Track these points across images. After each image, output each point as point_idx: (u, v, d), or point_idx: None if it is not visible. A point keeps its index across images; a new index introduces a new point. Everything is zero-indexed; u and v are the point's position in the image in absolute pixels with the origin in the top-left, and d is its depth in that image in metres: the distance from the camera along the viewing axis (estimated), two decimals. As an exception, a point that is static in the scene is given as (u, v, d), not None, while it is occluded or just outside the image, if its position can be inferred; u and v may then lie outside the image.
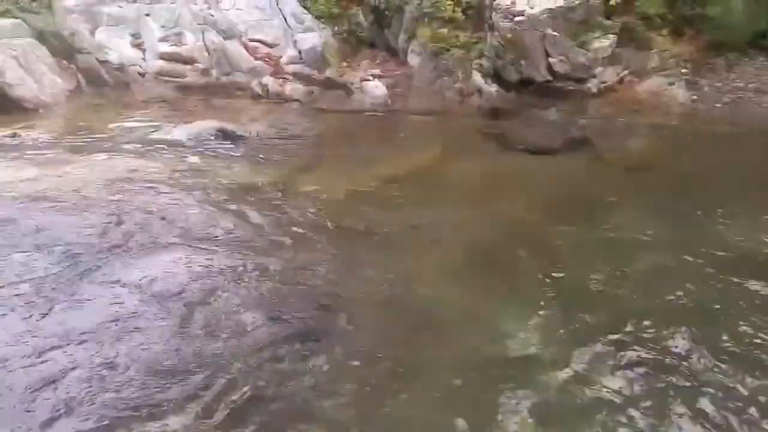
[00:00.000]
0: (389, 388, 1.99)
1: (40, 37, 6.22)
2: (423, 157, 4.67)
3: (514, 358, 2.19)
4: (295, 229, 3.16)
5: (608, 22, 5.51)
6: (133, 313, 2.29)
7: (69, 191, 3.38)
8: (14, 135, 4.56)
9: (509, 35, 5.57)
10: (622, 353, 2.19)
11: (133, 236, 2.90)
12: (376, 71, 6.97)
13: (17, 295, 2.38)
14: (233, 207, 3.39)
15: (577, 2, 5.33)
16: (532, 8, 5.39)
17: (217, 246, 2.85)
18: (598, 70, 5.47)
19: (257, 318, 2.31)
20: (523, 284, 2.71)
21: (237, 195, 3.61)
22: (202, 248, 2.80)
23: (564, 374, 2.10)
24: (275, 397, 1.94)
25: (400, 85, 6.61)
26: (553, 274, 2.76)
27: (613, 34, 5.45)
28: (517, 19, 5.45)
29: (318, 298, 2.46)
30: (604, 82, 5.49)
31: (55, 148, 4.34)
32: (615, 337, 2.28)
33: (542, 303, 2.55)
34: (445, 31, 6.54)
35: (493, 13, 5.72)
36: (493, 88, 5.93)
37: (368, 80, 6.53)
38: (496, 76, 5.97)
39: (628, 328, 2.34)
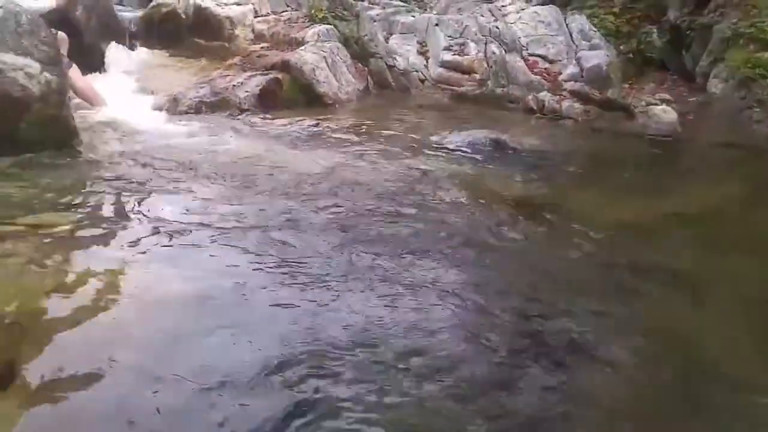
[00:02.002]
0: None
1: (345, 41, 6.98)
2: (716, 195, 4.02)
3: None
4: (562, 254, 2.92)
5: None
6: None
7: (363, 180, 3.67)
8: (317, 125, 5.18)
9: None
10: None
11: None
12: (665, 95, 6.31)
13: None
14: (499, 217, 3.29)
15: None
16: None
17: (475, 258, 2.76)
18: None
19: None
20: None
21: (504, 206, 3.51)
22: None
23: None
24: None
25: (694, 112, 5.87)
26: None
27: None
28: None
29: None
30: None
31: (348, 140, 4.80)
32: None
33: None
34: (765, 55, 5.59)
35: (844, 34, 4.67)
36: (824, 127, 4.87)
37: (655, 104, 5.92)
38: (831, 112, 4.89)
39: None
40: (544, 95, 6.32)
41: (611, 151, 5.15)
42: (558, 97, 6.32)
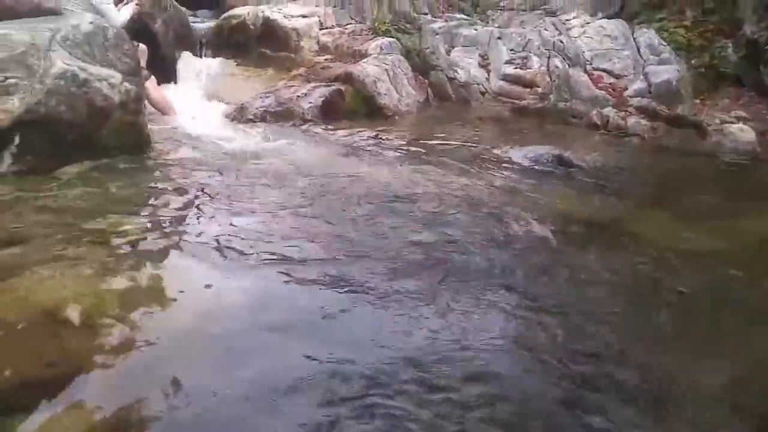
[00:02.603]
0: None
1: (407, 54, 7.03)
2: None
3: None
4: (632, 279, 2.80)
5: None
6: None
7: (423, 195, 3.68)
8: (377, 136, 5.23)
9: None
10: None
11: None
12: (741, 112, 6.02)
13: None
14: (564, 239, 3.20)
15: None
16: None
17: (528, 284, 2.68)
18: None
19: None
20: None
21: (570, 226, 3.42)
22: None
23: None
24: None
25: (775, 132, 5.57)
26: None
27: None
28: None
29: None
30: None
31: (407, 153, 4.82)
32: None
33: None
34: None
35: None
36: None
37: (731, 122, 5.65)
38: None
39: None
40: (609, 111, 6.14)
41: (682, 170, 4.94)
42: (623, 113, 6.13)
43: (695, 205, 3.94)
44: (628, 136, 5.83)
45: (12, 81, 3.41)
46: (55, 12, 4.03)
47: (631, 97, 6.43)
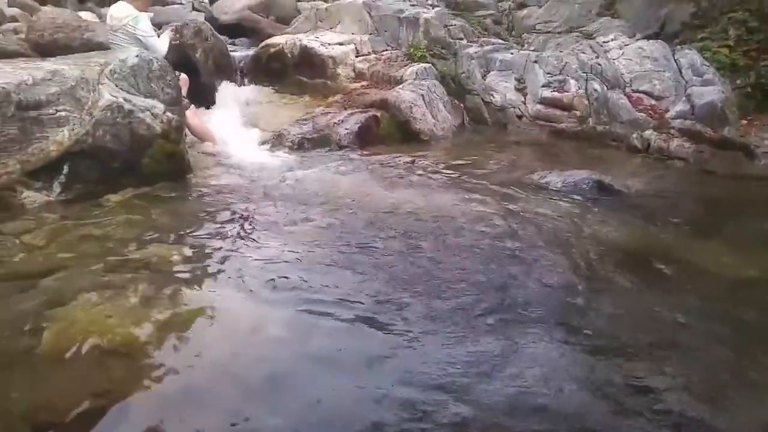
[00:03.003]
0: None
1: (442, 79, 7.05)
2: None
3: None
4: (682, 313, 2.67)
5: None
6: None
7: (462, 222, 3.63)
8: (413, 162, 5.21)
9: None
10: None
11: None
12: (791, 134, 5.80)
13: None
14: (608, 270, 3.10)
15: None
16: None
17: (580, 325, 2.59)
18: None
19: None
20: None
21: (613, 256, 3.32)
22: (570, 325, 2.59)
23: None
24: None
25: (828, 154, 5.34)
26: None
27: None
28: None
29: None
30: None
31: (444, 179, 4.78)
32: None
33: None
34: None
35: None
36: None
37: (780, 144, 5.46)
38: None
39: None
40: (650, 134, 6.01)
41: (730, 195, 4.76)
42: (665, 135, 5.98)
43: (747, 233, 3.78)
44: (670, 159, 5.68)
45: (63, 114, 3.53)
46: (103, 46, 4.19)
47: (672, 119, 6.28)
